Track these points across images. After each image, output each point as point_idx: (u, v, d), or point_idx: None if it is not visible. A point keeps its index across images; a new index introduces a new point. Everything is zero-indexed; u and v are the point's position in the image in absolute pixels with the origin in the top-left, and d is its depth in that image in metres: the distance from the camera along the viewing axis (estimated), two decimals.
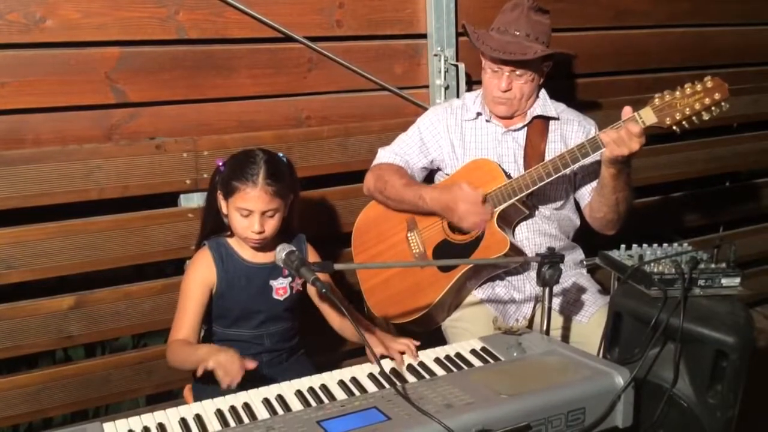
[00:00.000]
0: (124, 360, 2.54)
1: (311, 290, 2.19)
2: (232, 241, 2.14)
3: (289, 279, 2.16)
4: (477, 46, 2.34)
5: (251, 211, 2.02)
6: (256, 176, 2.01)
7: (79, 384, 2.46)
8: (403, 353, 1.92)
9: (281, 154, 2.14)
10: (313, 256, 2.23)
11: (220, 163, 2.12)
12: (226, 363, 1.75)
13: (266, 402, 1.69)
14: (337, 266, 1.82)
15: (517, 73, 2.32)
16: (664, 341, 1.82)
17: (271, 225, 2.06)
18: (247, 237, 2.06)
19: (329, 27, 2.65)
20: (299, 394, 1.73)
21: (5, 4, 2.19)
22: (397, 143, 2.54)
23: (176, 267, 2.61)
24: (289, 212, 2.14)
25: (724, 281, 1.87)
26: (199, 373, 1.78)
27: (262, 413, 1.65)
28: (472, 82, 2.87)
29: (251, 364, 1.78)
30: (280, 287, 2.16)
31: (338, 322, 2.19)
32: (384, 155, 2.54)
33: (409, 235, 2.46)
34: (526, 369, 1.78)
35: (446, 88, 2.82)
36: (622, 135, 2.10)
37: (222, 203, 2.10)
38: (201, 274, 2.09)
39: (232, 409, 1.68)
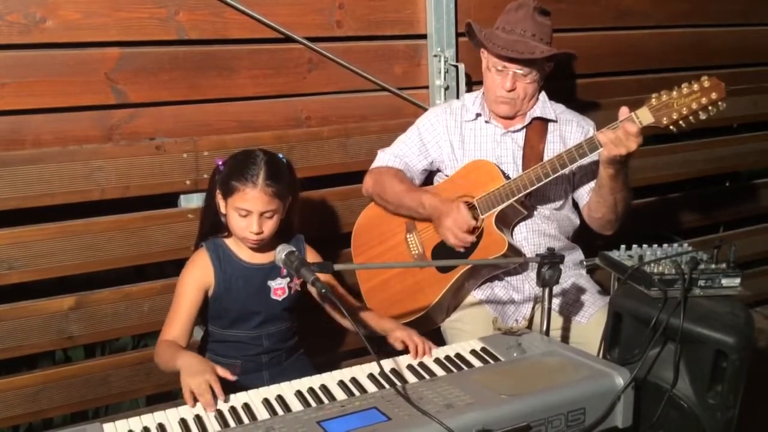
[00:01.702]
0: (124, 360, 2.54)
1: (314, 289, 2.19)
2: (229, 242, 2.14)
3: (288, 279, 2.16)
4: (484, 44, 2.34)
5: (250, 211, 2.02)
6: (256, 177, 2.01)
7: (78, 384, 2.46)
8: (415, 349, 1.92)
9: (281, 155, 2.14)
10: (311, 257, 2.23)
11: (220, 163, 2.12)
12: (196, 388, 1.70)
13: (266, 402, 1.69)
14: (337, 267, 1.82)
15: (522, 72, 2.32)
16: (664, 342, 1.82)
17: (269, 226, 2.06)
18: (245, 237, 2.06)
19: (329, 27, 2.65)
20: (299, 394, 1.73)
21: (5, 4, 2.19)
22: (396, 145, 2.54)
23: (176, 267, 2.60)
24: (288, 213, 2.14)
25: (724, 281, 1.87)
26: (191, 405, 1.71)
27: (262, 414, 1.66)
28: (472, 83, 2.87)
29: (227, 375, 1.75)
30: (279, 288, 2.16)
31: (344, 319, 2.18)
32: (384, 158, 2.53)
33: (408, 236, 2.46)
34: (526, 369, 1.78)
35: (446, 88, 2.82)
36: (619, 135, 2.10)
37: (221, 203, 2.10)
38: (197, 276, 2.09)
39: (232, 409, 1.68)
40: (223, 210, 2.10)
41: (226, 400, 1.70)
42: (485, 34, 2.35)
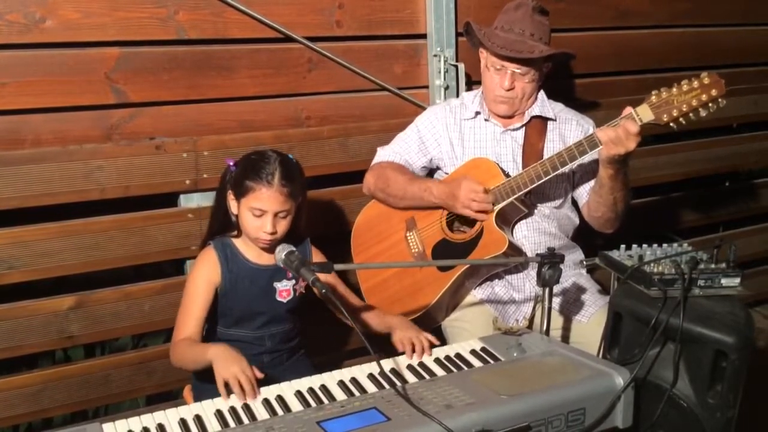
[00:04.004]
0: (124, 360, 2.54)
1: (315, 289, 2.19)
2: (237, 242, 2.14)
3: (293, 281, 2.16)
4: (483, 42, 2.34)
5: (265, 211, 2.02)
6: (272, 176, 2.01)
7: (78, 384, 2.46)
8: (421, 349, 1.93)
9: (290, 156, 2.14)
10: (317, 258, 2.23)
11: (231, 163, 2.12)
12: (232, 378, 1.72)
13: (266, 402, 1.69)
14: (337, 266, 1.82)
15: (521, 71, 2.32)
16: (664, 341, 1.82)
17: (283, 226, 2.06)
18: (258, 237, 2.06)
19: (329, 27, 2.65)
20: (299, 394, 1.73)
21: (5, 4, 2.19)
22: (396, 142, 2.54)
23: (176, 267, 2.61)
24: (297, 214, 2.14)
25: (724, 281, 1.87)
26: (225, 398, 1.73)
27: (261, 414, 1.66)
28: (472, 83, 2.87)
29: (259, 375, 1.78)
30: (284, 289, 2.16)
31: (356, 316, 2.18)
32: (384, 154, 2.53)
33: (408, 234, 2.46)
34: (526, 369, 1.78)
35: (446, 88, 2.82)
36: (619, 134, 2.10)
37: (232, 203, 2.10)
38: (206, 273, 2.09)
39: (232, 409, 1.68)
40: (234, 210, 2.10)
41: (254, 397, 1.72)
42: (484, 33, 2.35)
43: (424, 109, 2.73)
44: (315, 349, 2.37)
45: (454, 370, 1.83)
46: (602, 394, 1.66)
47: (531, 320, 2.15)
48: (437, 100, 2.82)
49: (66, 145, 2.32)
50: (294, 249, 1.85)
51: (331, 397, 1.71)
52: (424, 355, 1.92)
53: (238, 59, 2.54)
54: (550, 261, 1.93)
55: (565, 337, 2.39)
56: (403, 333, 1.99)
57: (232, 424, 1.62)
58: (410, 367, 1.86)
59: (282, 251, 1.84)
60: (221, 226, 2.16)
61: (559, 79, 2.85)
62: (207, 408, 1.69)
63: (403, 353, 1.94)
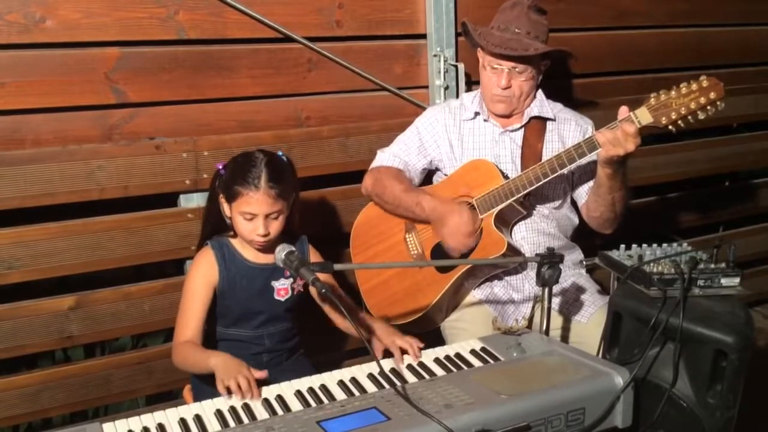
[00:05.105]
0: (124, 360, 2.54)
1: (313, 290, 2.19)
2: (234, 242, 2.14)
3: (291, 280, 2.16)
4: (478, 42, 2.34)
5: (255, 214, 2.02)
6: (258, 180, 2.00)
7: (78, 384, 2.46)
8: (405, 352, 1.92)
9: (281, 153, 2.14)
10: (315, 258, 2.23)
11: (220, 167, 2.12)
12: (233, 382, 1.73)
13: (266, 402, 1.69)
14: (337, 266, 1.82)
15: (517, 70, 2.32)
16: (664, 341, 1.82)
17: (275, 227, 2.06)
18: (252, 240, 2.06)
19: (329, 27, 2.65)
20: (299, 394, 1.73)
21: (5, 4, 2.19)
22: (396, 144, 2.54)
23: (176, 267, 2.61)
24: (290, 211, 2.14)
25: (724, 281, 1.87)
26: (226, 396, 1.74)
27: (261, 414, 1.66)
28: (472, 83, 2.87)
29: (261, 374, 1.78)
30: (282, 288, 2.16)
31: (342, 321, 2.19)
32: (383, 157, 2.53)
33: (407, 236, 2.46)
34: (526, 369, 1.78)
35: (446, 88, 2.82)
36: (617, 135, 2.10)
37: (224, 206, 2.10)
38: (204, 274, 2.09)
39: (232, 409, 1.68)
40: (227, 213, 2.10)
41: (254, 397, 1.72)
42: (480, 33, 2.35)
43: (424, 109, 2.73)
44: (315, 349, 2.37)
45: (454, 370, 1.83)
46: (602, 393, 1.67)
47: (530, 320, 2.15)
48: (437, 100, 2.82)
49: (66, 145, 2.32)
50: (294, 249, 1.85)
51: (331, 397, 1.71)
52: (424, 355, 1.91)
53: (238, 59, 2.54)
54: (550, 261, 1.93)
55: (565, 337, 2.39)
56: (388, 338, 1.99)
57: (232, 423, 1.62)
58: (410, 367, 1.87)
59: (282, 251, 1.84)
60: (213, 228, 2.16)
61: (558, 79, 2.85)
62: (207, 408, 1.69)
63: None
